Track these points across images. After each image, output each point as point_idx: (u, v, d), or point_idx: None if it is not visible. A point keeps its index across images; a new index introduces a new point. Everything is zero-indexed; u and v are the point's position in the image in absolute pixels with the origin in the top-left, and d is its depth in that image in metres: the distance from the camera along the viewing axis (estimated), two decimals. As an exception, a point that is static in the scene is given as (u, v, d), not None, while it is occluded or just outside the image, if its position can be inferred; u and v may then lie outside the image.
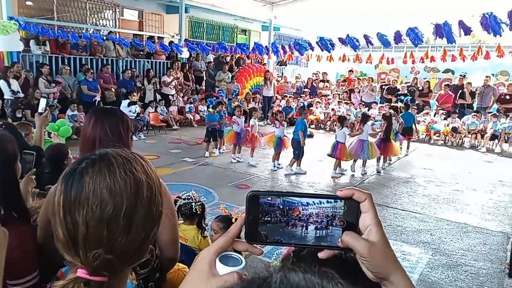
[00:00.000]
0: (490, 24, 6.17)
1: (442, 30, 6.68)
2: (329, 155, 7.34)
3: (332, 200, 0.62)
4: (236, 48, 12.56)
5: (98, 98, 10.01)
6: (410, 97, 10.79)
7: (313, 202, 0.62)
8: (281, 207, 0.62)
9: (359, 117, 9.93)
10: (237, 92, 10.68)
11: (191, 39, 14.55)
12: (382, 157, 7.87)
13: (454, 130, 10.75)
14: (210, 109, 8.40)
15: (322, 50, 9.32)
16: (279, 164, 7.58)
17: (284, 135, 7.56)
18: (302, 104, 8.13)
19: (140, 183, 0.78)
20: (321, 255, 0.63)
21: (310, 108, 11.59)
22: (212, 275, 0.60)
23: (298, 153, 7.17)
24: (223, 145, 8.80)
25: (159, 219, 0.83)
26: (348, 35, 8.61)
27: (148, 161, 0.86)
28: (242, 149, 8.13)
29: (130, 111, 9.41)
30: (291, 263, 0.59)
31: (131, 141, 1.76)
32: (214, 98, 9.78)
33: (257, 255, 0.67)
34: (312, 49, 9.42)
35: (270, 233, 0.62)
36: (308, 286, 0.45)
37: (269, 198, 0.62)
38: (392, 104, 9.01)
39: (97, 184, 0.75)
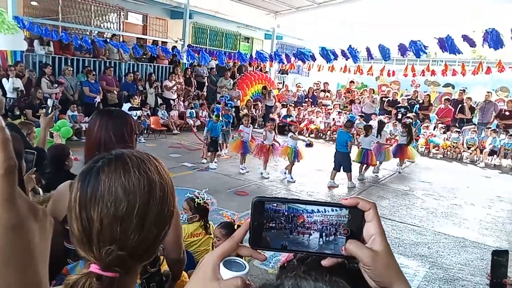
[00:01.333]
0: (492, 39, 6.23)
1: (445, 44, 6.73)
2: (359, 162, 7.77)
3: (337, 209, 0.62)
4: (237, 56, 12.55)
5: (98, 100, 10.02)
6: (418, 106, 10.97)
7: (318, 210, 0.62)
8: (286, 213, 0.62)
9: (360, 128, 10.03)
10: (228, 98, 10.54)
11: (194, 45, 14.62)
12: (399, 159, 8.79)
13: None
14: (214, 117, 8.02)
15: (326, 63, 9.40)
16: (285, 173, 7.40)
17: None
18: (349, 118, 8.09)
19: (153, 183, 0.80)
20: (325, 262, 0.62)
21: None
22: (216, 279, 0.60)
23: (348, 166, 7.15)
24: (222, 150, 8.78)
25: (170, 219, 0.85)
26: (350, 45, 8.67)
27: (161, 162, 0.87)
28: (246, 159, 7.82)
29: (131, 114, 9.38)
30: (302, 271, 0.60)
31: (136, 143, 1.77)
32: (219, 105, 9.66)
33: (260, 261, 0.68)
34: (314, 59, 9.47)
35: (274, 239, 0.62)
36: None
37: (275, 204, 0.62)
38: (409, 115, 9.95)
39: (112, 182, 0.77)
